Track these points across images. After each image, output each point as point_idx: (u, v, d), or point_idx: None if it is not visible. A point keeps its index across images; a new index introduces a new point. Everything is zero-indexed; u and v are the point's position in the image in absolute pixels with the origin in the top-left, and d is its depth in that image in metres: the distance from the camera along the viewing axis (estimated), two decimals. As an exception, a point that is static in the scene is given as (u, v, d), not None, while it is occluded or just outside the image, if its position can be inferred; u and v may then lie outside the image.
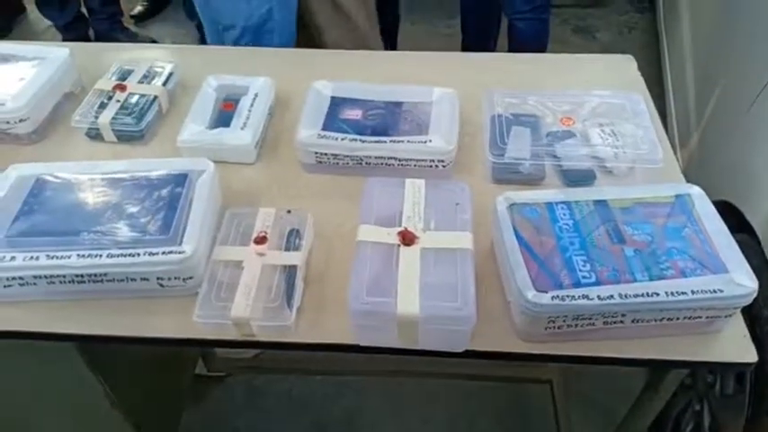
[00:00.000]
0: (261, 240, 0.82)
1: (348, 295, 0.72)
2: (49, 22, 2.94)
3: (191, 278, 0.78)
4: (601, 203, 0.81)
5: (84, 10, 2.88)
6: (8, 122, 1.00)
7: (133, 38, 2.88)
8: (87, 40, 2.88)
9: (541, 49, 2.25)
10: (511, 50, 2.35)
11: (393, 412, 1.62)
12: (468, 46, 2.58)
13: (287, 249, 0.82)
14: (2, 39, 2.91)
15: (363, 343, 0.75)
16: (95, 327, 0.78)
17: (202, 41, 2.77)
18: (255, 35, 1.42)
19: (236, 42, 1.45)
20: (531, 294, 0.69)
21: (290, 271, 0.80)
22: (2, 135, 1.01)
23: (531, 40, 2.22)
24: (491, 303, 0.78)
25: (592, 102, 1.04)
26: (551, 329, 0.72)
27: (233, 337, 0.76)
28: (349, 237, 0.87)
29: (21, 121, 1.00)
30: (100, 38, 2.87)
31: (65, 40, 2.83)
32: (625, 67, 1.21)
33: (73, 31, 2.88)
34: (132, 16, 3.06)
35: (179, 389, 1.41)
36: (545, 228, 0.77)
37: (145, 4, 3.13)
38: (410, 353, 0.75)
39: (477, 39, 2.53)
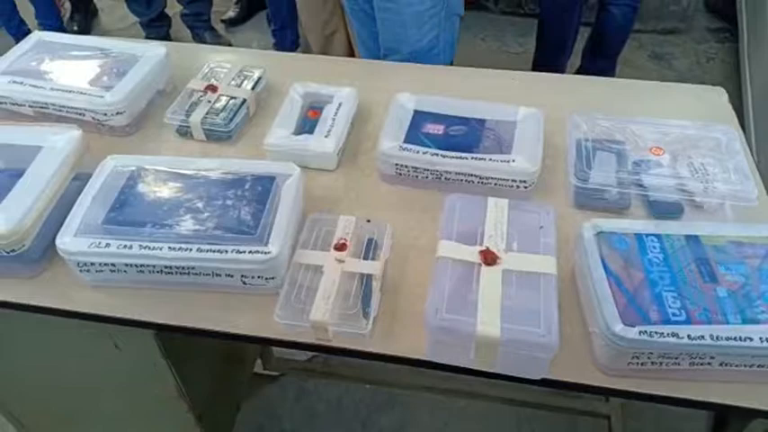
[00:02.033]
0: (341, 247, 0.83)
1: (426, 310, 0.72)
2: (120, 25, 3.10)
3: (273, 278, 0.80)
4: (692, 239, 0.78)
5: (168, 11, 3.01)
6: (105, 114, 1.05)
7: (217, 39, 2.97)
8: (168, 38, 3.00)
9: (625, 37, 2.45)
10: (592, 42, 2.52)
11: (440, 430, 1.60)
12: (541, 59, 2.59)
13: (365, 258, 0.83)
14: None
15: (437, 360, 0.75)
16: (178, 318, 0.81)
17: (277, 47, 2.86)
18: (420, 59, 1.42)
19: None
20: (618, 328, 0.67)
21: (367, 280, 0.81)
22: (99, 126, 1.06)
23: (619, 25, 2.39)
24: (569, 331, 0.76)
25: (681, 132, 1.01)
26: (634, 365, 0.70)
27: (309, 341, 0.77)
28: (425, 250, 0.87)
29: (117, 113, 1.05)
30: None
31: (147, 37, 2.95)
32: (715, 98, 1.17)
33: (155, 28, 3.01)
34: (223, 21, 3.16)
35: (239, 385, 1.44)
36: (634, 259, 0.75)
37: (237, 9, 3.22)
38: (485, 375, 0.74)
39: (550, 53, 2.55)
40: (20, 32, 2.83)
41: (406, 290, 0.84)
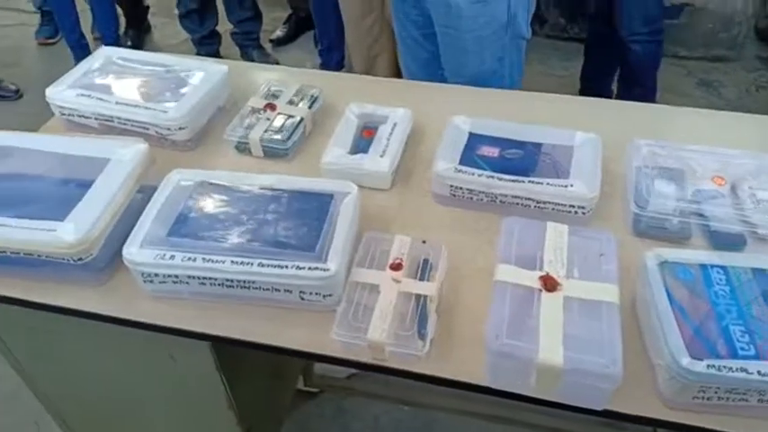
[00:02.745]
0: (397, 267, 0.83)
1: (486, 334, 0.72)
2: (171, 41, 3.20)
3: (330, 295, 0.80)
4: (760, 272, 0.76)
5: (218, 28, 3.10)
6: (169, 129, 1.08)
7: (264, 58, 3.05)
8: (218, 56, 3.08)
9: (656, 66, 2.36)
10: (624, 73, 2.46)
11: (479, 456, 1.57)
12: (586, 78, 2.61)
13: (420, 279, 0.83)
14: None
15: (497, 386, 0.74)
16: (238, 331, 0.82)
17: (323, 67, 2.90)
18: (484, 82, 1.41)
19: None
20: (685, 361, 0.65)
21: (423, 301, 0.81)
22: (162, 140, 1.10)
23: (647, 62, 2.31)
24: (630, 362, 0.74)
25: (740, 162, 0.99)
26: (700, 399, 0.68)
27: (365, 360, 0.78)
28: (479, 273, 0.87)
29: (180, 128, 1.08)
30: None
31: (197, 53, 3.04)
32: (773, 129, 1.15)
33: (206, 45, 3.09)
34: (271, 40, 3.24)
35: (284, 400, 1.44)
36: (699, 291, 0.73)
37: (284, 29, 3.30)
38: (545, 404, 0.73)
39: (598, 71, 2.57)
40: (78, 46, 2.95)
41: (461, 312, 0.84)
